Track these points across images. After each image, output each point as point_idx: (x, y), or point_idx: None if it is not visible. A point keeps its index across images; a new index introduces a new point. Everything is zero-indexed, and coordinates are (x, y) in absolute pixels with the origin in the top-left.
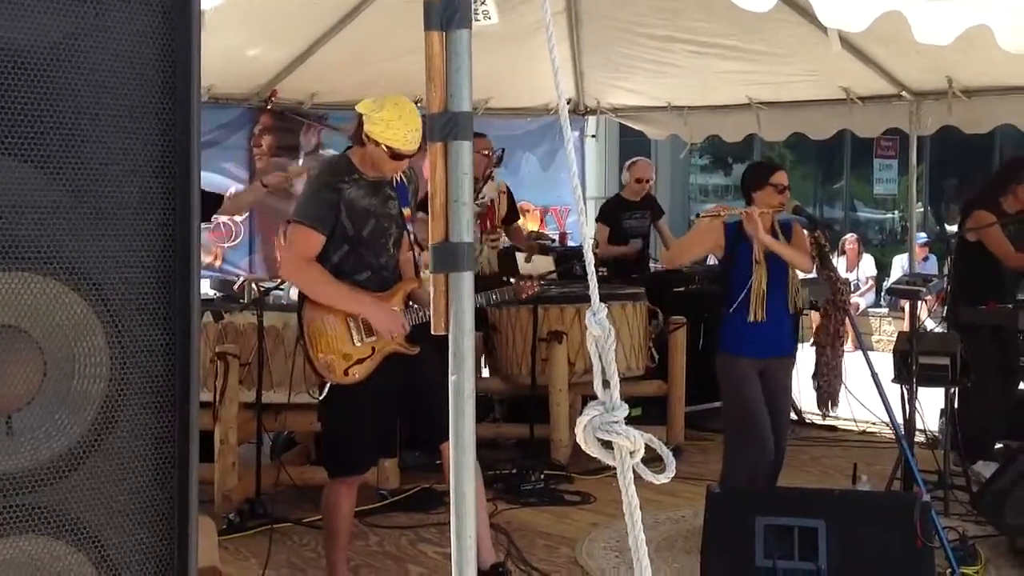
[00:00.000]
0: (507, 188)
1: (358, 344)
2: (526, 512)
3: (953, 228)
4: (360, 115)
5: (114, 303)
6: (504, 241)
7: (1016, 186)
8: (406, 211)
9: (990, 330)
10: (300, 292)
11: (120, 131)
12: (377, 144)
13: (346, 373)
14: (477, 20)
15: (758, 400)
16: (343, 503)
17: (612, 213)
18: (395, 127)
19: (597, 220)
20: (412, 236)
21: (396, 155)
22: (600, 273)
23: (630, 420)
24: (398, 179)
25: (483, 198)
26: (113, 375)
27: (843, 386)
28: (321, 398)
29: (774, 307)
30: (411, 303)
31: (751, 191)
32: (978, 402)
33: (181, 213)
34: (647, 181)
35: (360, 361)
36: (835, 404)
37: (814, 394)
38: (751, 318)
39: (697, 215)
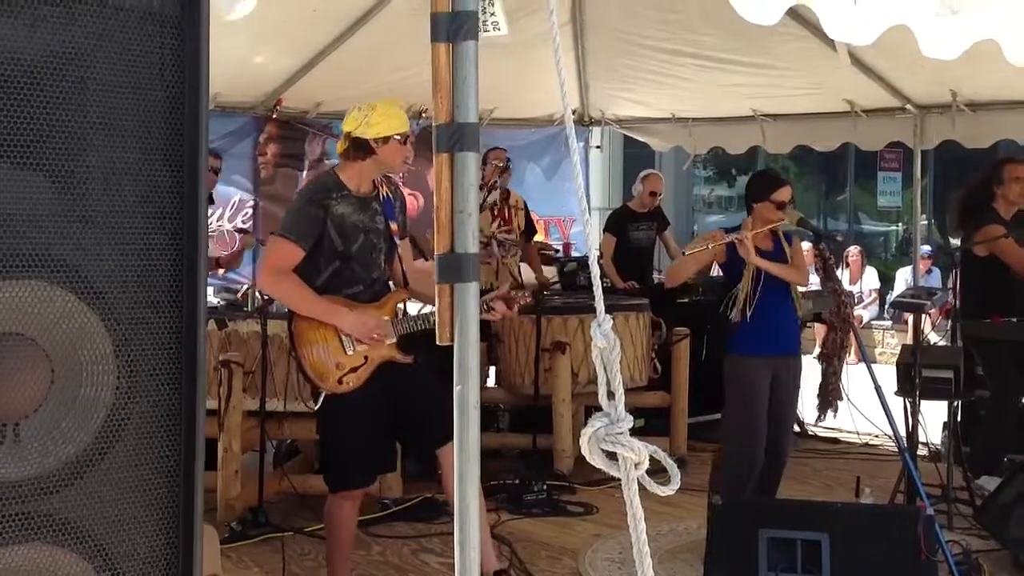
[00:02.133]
0: (525, 205)
1: (350, 353)
2: (529, 523)
3: (957, 241)
4: (349, 132)
5: (121, 311)
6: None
7: (998, 189)
8: (393, 225)
9: (1005, 344)
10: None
11: (128, 140)
12: (387, 140)
13: (340, 382)
14: (487, 31)
15: (761, 401)
16: (346, 517)
17: (619, 224)
18: (392, 115)
19: (603, 230)
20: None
21: (406, 138)
22: (603, 283)
23: (634, 432)
24: (385, 194)
25: (489, 202)
26: (120, 383)
27: (846, 398)
28: (317, 407)
29: (778, 309)
30: (400, 313)
31: (752, 201)
32: (993, 415)
33: (188, 221)
34: (659, 195)
35: (353, 370)
36: (834, 413)
37: (815, 402)
38: (733, 317)
39: (683, 252)
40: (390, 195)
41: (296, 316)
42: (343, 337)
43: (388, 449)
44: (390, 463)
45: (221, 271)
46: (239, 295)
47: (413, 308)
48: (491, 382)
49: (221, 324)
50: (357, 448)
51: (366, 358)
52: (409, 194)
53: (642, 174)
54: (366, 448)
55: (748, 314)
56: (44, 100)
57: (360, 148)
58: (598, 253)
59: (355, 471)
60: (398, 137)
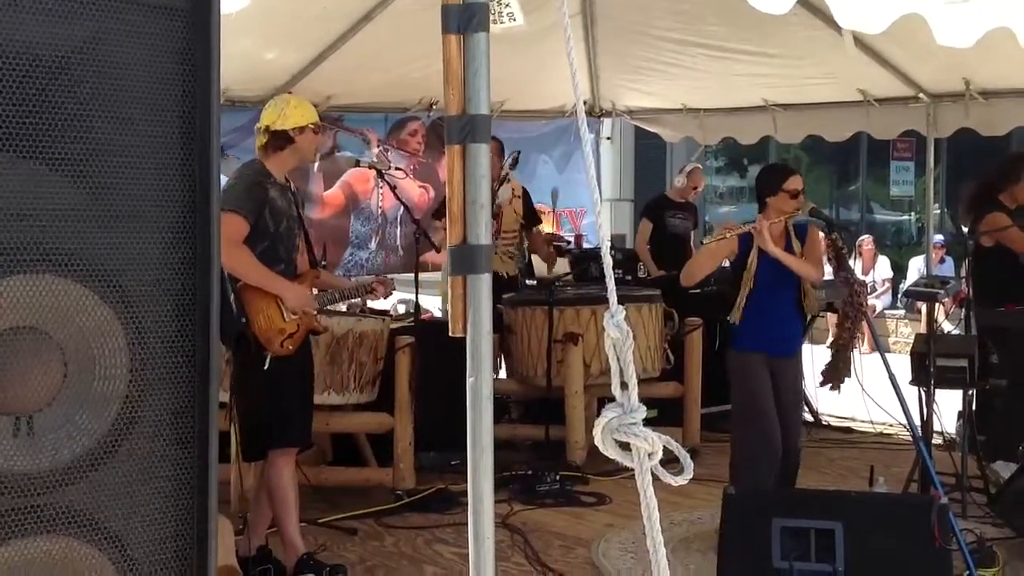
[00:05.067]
0: (524, 191)
1: (288, 320)
2: (542, 513)
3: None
4: (268, 127)
5: (134, 305)
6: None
7: (1013, 186)
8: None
9: (1019, 333)
10: (231, 276)
11: (140, 134)
12: (303, 129)
13: (281, 346)
14: (503, 22)
15: (765, 393)
16: (286, 474)
17: (656, 210)
18: (304, 107)
19: (641, 216)
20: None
21: (318, 128)
22: (617, 273)
23: (646, 422)
24: (292, 188)
25: (499, 200)
26: (133, 376)
27: (860, 388)
28: (265, 368)
29: (777, 309)
30: (316, 289)
31: (765, 196)
32: (1007, 404)
33: (201, 215)
34: (697, 188)
35: (291, 335)
36: (838, 391)
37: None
38: (731, 319)
39: (702, 242)
40: (293, 189)
41: (245, 287)
42: (280, 307)
43: (311, 417)
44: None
45: None
46: None
47: None
48: (503, 373)
49: None
50: (298, 406)
51: (298, 326)
52: (420, 186)
53: (688, 168)
54: (304, 407)
55: (743, 314)
56: (55, 93)
57: (280, 139)
58: (610, 244)
59: (297, 427)
60: (312, 126)
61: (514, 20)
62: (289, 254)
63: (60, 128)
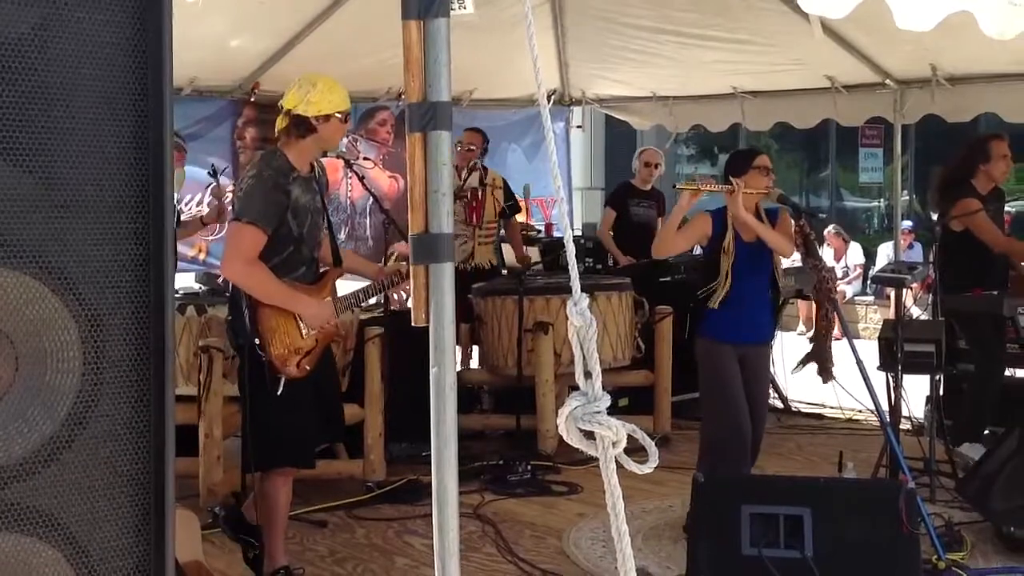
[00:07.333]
0: (504, 183)
1: (305, 337)
2: (513, 503)
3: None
4: (290, 110)
5: (86, 297)
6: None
7: (983, 166)
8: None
9: (986, 317)
10: (243, 293)
11: (91, 123)
12: (328, 118)
13: (298, 366)
14: (452, 10)
15: (736, 385)
16: (283, 492)
17: (619, 198)
18: (334, 92)
19: (605, 205)
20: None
21: (347, 117)
22: (588, 262)
23: (618, 411)
24: (317, 172)
25: (465, 185)
26: (86, 369)
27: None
28: (279, 393)
29: (754, 294)
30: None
31: (736, 176)
32: (976, 388)
33: (154, 205)
34: (656, 166)
35: (308, 354)
36: (829, 378)
37: (813, 370)
38: (711, 304)
39: (674, 185)
40: (319, 172)
41: (259, 304)
42: (298, 323)
43: (332, 423)
44: (334, 433)
45: (209, 238)
46: (219, 280)
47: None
48: (474, 363)
49: (201, 310)
50: (310, 427)
51: (316, 341)
52: (389, 176)
53: (639, 151)
54: (317, 426)
55: (719, 303)
56: (5, 81)
57: (301, 126)
58: (579, 232)
59: (308, 450)
60: (339, 115)
61: (464, 8)
62: (312, 252)
63: (8, 116)
